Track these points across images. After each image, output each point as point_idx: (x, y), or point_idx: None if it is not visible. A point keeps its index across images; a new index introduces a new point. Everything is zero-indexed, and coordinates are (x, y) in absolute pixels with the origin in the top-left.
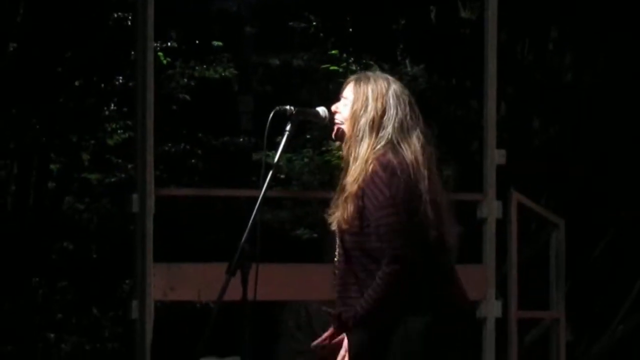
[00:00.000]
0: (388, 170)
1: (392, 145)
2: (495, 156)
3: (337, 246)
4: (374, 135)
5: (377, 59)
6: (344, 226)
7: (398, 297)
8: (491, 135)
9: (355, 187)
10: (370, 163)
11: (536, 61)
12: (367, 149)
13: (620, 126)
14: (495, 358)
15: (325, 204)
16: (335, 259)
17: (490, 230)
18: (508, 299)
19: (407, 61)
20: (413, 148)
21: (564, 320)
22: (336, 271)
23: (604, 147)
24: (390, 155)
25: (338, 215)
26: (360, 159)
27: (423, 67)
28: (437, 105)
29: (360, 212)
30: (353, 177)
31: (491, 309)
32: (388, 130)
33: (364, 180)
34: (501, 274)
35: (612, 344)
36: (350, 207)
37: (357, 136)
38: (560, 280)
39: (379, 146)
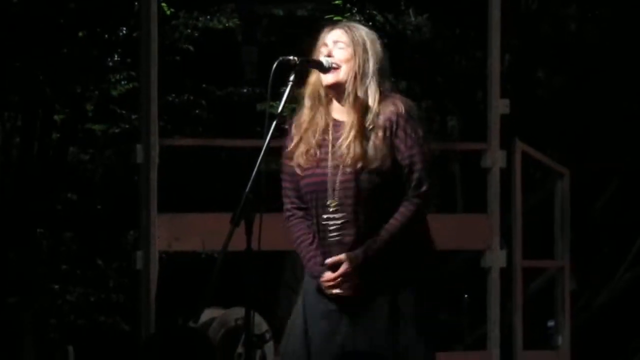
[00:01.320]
0: (416, 112)
1: (390, 93)
2: (500, 106)
3: (333, 192)
4: (379, 77)
5: (380, 9)
6: (372, 165)
7: (418, 228)
8: (495, 85)
9: (379, 127)
10: (391, 102)
11: (540, 11)
12: (377, 91)
13: (624, 76)
14: (500, 307)
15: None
16: (330, 205)
17: (494, 179)
18: (513, 249)
19: (410, 11)
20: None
21: (568, 269)
22: (331, 220)
23: (608, 97)
24: (407, 99)
25: (357, 157)
26: (373, 100)
27: (427, 16)
28: (441, 56)
29: (390, 149)
30: (370, 118)
31: (496, 259)
32: (387, 76)
33: (388, 119)
34: (506, 224)
35: (616, 293)
36: (381, 145)
37: (364, 78)
38: (565, 229)
39: (384, 91)
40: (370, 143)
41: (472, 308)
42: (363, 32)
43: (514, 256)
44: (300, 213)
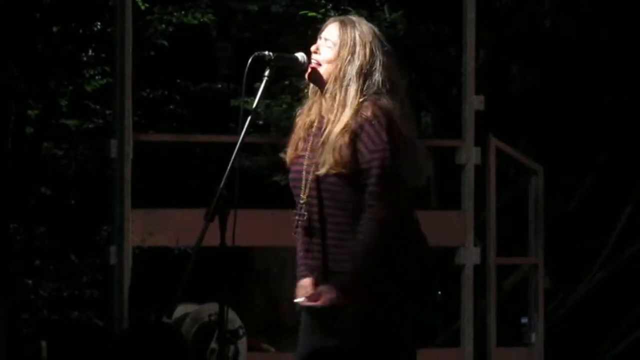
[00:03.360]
0: (387, 115)
1: (381, 93)
2: (474, 102)
3: (303, 190)
4: (361, 81)
5: (355, 5)
6: (335, 169)
7: (390, 239)
8: (470, 81)
9: (348, 131)
10: (365, 107)
11: (515, 7)
12: (356, 95)
13: (598, 72)
14: (474, 304)
15: (283, 150)
16: (300, 202)
17: (468, 176)
18: (487, 245)
19: (385, 7)
20: (399, 97)
21: (542, 266)
22: (298, 216)
23: (583, 93)
24: (385, 101)
25: (324, 159)
26: (350, 104)
27: (401, 13)
28: (415, 52)
29: (355, 155)
30: (343, 122)
31: (470, 256)
32: (376, 78)
33: (358, 124)
34: (480, 221)
35: (590, 290)
36: (345, 150)
37: (343, 81)
38: (539, 226)
39: (367, 95)
40: (337, 147)
41: (445, 305)
42: (358, 32)
43: (488, 253)
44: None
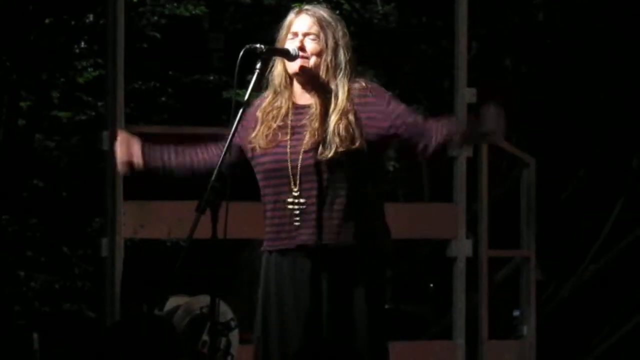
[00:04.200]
0: (375, 84)
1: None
2: (466, 95)
3: (294, 177)
4: (349, 66)
5: None
6: (343, 147)
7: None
8: (462, 74)
9: (350, 111)
10: (354, 88)
11: (507, 0)
12: (345, 77)
13: (590, 64)
14: (466, 297)
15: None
16: (293, 190)
17: (460, 168)
18: (479, 238)
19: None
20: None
21: (534, 259)
22: (295, 204)
23: (576, 86)
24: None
25: (329, 143)
26: (342, 88)
27: (394, 5)
28: (408, 44)
29: (363, 127)
30: (340, 106)
31: (462, 248)
32: (352, 57)
33: (356, 100)
34: (472, 213)
35: (582, 283)
36: (355, 126)
37: (336, 68)
38: (531, 219)
39: (352, 78)
40: (344, 126)
41: (437, 297)
42: (332, 20)
43: (480, 246)
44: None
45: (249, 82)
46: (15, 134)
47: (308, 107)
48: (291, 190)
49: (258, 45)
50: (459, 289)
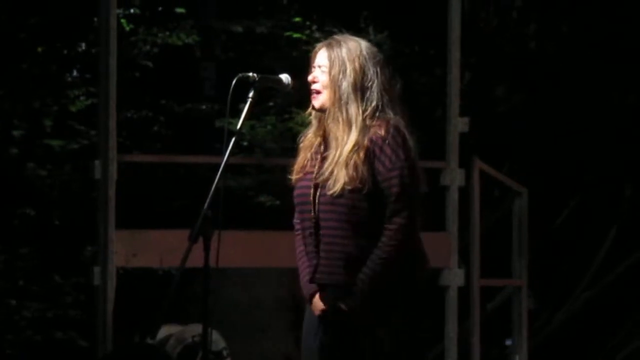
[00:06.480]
0: (401, 133)
1: (382, 108)
2: (458, 124)
3: (314, 208)
4: (359, 98)
5: (340, 26)
6: (350, 185)
7: (404, 254)
8: (454, 103)
9: (361, 149)
10: (378, 126)
11: (500, 29)
12: (357, 112)
13: (582, 93)
14: (458, 326)
15: (288, 171)
16: (311, 220)
17: (452, 198)
18: (471, 267)
19: (370, 28)
20: (398, 109)
21: (526, 288)
22: (315, 235)
23: (567, 115)
24: (395, 119)
25: (337, 177)
26: (354, 122)
27: (386, 34)
28: (400, 73)
29: (370, 172)
30: (352, 141)
31: (454, 277)
32: (374, 92)
33: (372, 142)
34: (464, 242)
35: (574, 312)
36: (361, 166)
37: (342, 101)
38: (523, 248)
39: (369, 109)
40: (352, 164)
41: (429, 326)
42: (345, 49)
43: (472, 275)
44: (299, 226)
45: (241, 111)
46: (7, 162)
47: (332, 142)
48: (311, 220)
49: (250, 74)
50: (451, 317)
